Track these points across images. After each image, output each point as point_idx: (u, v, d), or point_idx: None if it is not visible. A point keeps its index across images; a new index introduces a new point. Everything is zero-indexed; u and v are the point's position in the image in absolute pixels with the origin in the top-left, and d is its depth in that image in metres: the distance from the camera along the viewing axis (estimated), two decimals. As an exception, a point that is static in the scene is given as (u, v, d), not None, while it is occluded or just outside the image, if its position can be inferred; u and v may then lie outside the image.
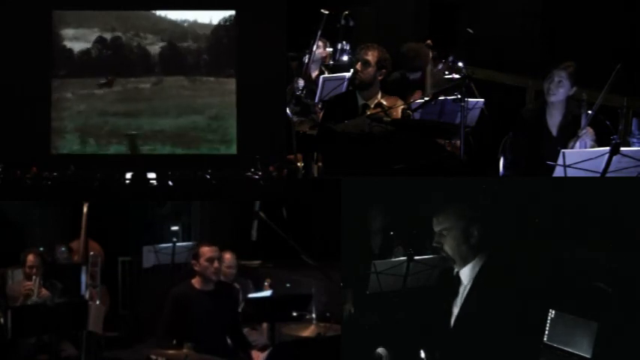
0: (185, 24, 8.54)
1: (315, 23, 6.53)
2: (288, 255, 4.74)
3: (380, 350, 3.69)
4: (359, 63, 5.20)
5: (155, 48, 8.38)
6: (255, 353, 5.01)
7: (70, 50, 8.38)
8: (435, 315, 3.25)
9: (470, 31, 6.38)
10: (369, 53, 5.19)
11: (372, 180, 4.20)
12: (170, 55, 8.32)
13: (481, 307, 3.09)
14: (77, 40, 8.41)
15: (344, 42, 7.07)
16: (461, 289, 3.17)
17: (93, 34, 8.35)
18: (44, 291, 5.26)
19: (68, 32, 8.41)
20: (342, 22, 7.04)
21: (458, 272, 3.20)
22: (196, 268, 4.77)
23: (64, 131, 8.12)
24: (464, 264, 3.18)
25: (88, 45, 8.34)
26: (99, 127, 8.04)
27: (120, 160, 8.14)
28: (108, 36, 8.31)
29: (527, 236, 3.31)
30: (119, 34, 8.34)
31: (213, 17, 8.57)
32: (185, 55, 8.29)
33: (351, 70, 5.48)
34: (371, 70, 5.19)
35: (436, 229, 3.23)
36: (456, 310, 3.17)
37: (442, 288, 3.28)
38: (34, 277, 5.27)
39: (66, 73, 8.27)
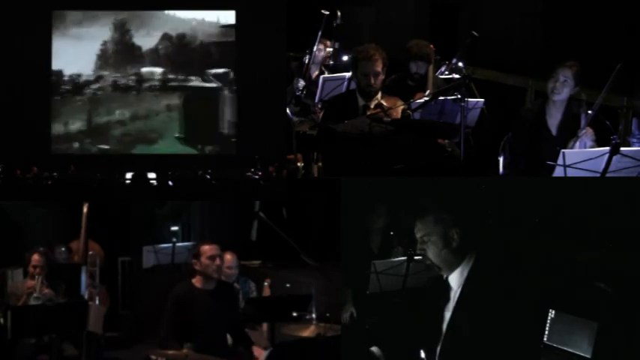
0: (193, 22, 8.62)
1: (315, 23, 6.52)
2: (288, 255, 4.75)
3: (374, 349, 3.69)
4: (371, 77, 5.04)
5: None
6: (256, 350, 5.01)
7: (140, 48, 8.49)
8: (434, 315, 3.24)
9: (475, 34, 6.36)
10: (377, 64, 5.02)
11: (372, 180, 4.20)
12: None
13: (472, 311, 3.06)
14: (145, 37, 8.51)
15: (334, 41, 6.98)
16: (452, 294, 3.15)
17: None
18: (47, 289, 5.26)
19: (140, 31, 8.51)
20: (339, 21, 6.99)
21: (447, 278, 3.17)
22: (197, 267, 4.76)
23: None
24: (450, 270, 3.15)
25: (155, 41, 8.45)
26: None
27: (120, 160, 8.18)
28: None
29: (525, 236, 3.31)
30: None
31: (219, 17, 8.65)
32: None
33: (354, 78, 5.30)
34: (382, 77, 5.10)
35: (417, 235, 3.19)
36: (447, 315, 3.14)
37: (434, 292, 3.26)
38: (36, 276, 5.27)
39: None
